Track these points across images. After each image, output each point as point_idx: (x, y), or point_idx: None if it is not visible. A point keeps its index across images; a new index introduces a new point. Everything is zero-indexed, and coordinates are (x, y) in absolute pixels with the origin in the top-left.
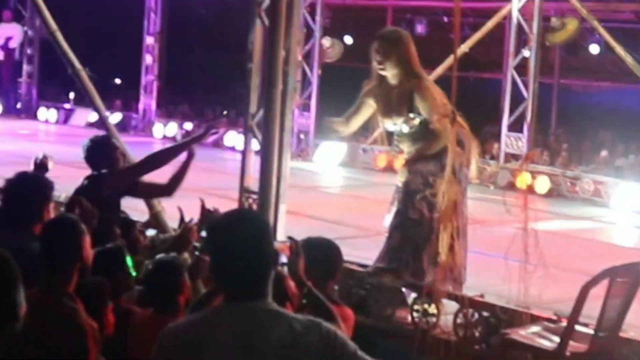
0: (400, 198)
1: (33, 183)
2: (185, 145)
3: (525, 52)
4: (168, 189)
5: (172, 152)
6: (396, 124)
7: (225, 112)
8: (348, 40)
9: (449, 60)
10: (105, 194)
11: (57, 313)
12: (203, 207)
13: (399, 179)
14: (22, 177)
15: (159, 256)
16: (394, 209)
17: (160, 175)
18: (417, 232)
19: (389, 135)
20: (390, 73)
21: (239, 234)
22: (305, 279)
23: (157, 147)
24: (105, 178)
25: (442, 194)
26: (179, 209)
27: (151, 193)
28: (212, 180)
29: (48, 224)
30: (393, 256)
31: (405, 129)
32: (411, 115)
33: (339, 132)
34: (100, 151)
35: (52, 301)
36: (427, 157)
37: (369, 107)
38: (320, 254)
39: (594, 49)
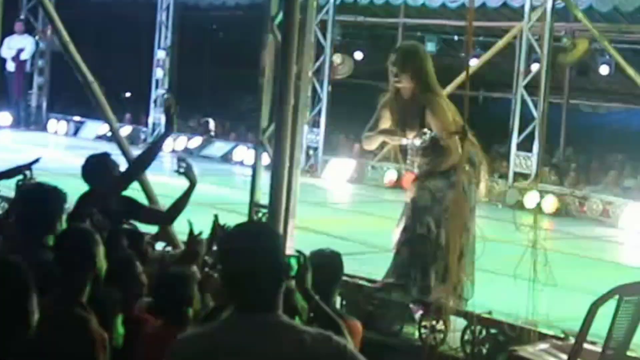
0: (409, 214)
1: (47, 194)
2: (160, 142)
3: (535, 72)
4: (169, 218)
5: (151, 153)
6: (409, 138)
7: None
8: (358, 56)
9: (460, 78)
10: (114, 208)
11: (69, 322)
12: (216, 223)
13: (407, 196)
14: (36, 188)
15: (168, 268)
16: (402, 224)
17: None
18: (425, 249)
19: (402, 150)
20: (406, 86)
21: (251, 245)
22: (313, 293)
23: (166, 160)
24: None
25: (451, 211)
26: (189, 222)
27: (152, 219)
28: (221, 194)
29: (63, 233)
30: (401, 272)
31: (417, 143)
32: (424, 130)
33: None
34: (98, 169)
35: (65, 310)
36: (436, 174)
37: (387, 120)
38: (321, 262)
39: (604, 69)
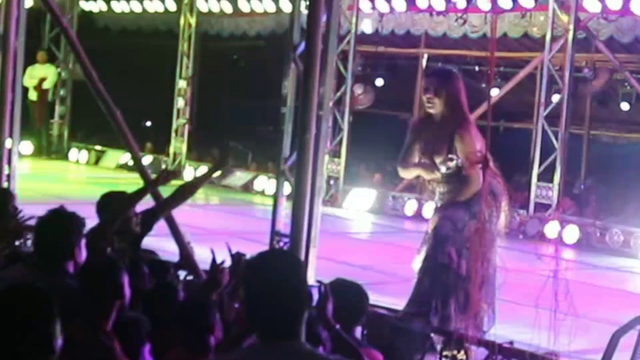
0: (430, 243)
1: (65, 220)
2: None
3: (556, 102)
4: (182, 195)
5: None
6: (439, 170)
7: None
8: (379, 86)
9: (481, 109)
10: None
11: (94, 350)
12: (230, 251)
13: (429, 225)
14: (53, 214)
15: (190, 297)
16: (423, 253)
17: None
18: (446, 278)
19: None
20: (437, 110)
21: (275, 273)
22: (334, 322)
23: None
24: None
25: (471, 241)
26: (211, 250)
27: (169, 206)
28: (242, 224)
29: (89, 261)
30: (422, 301)
31: (443, 169)
32: (450, 156)
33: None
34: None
35: (90, 338)
36: (457, 204)
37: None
38: (348, 298)
39: (625, 106)
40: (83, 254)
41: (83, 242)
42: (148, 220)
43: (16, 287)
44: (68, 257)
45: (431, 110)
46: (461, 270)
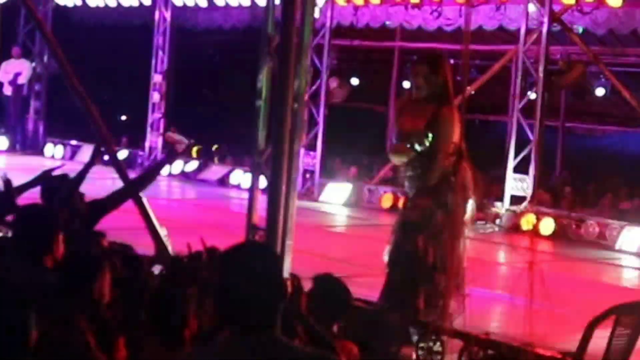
0: (398, 232)
1: (42, 214)
2: (152, 173)
3: (531, 95)
4: (135, 188)
5: (147, 178)
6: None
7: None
8: (354, 81)
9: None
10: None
11: (70, 345)
12: (204, 245)
13: (398, 214)
14: (31, 209)
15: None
16: (391, 243)
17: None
18: (414, 267)
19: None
20: (425, 92)
21: (250, 265)
22: (307, 315)
23: (163, 184)
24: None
25: (439, 231)
26: (188, 245)
27: (120, 198)
28: (218, 218)
29: (68, 258)
30: (392, 293)
31: (416, 147)
32: (427, 132)
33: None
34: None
35: (66, 333)
36: (425, 193)
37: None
38: (331, 295)
39: (600, 92)
40: (61, 249)
41: (61, 236)
42: (97, 212)
43: None
44: (47, 252)
45: (418, 90)
46: (429, 258)
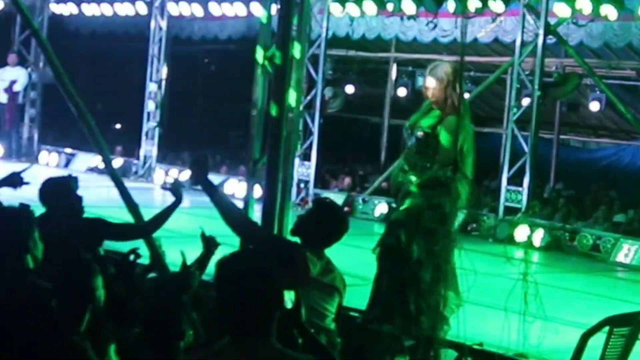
0: (385, 231)
1: (13, 215)
2: (170, 211)
3: (526, 107)
4: (147, 230)
5: (159, 221)
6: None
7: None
8: (350, 90)
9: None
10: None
11: (68, 350)
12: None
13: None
14: (1, 210)
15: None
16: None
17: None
18: (401, 272)
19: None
20: (435, 98)
21: (247, 272)
22: (308, 327)
23: (157, 193)
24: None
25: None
26: (181, 253)
27: (129, 234)
28: (213, 227)
29: (63, 263)
30: (383, 300)
31: (419, 134)
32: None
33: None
34: (61, 193)
35: (63, 338)
36: (416, 195)
37: None
38: (329, 220)
39: (595, 105)
40: (39, 247)
41: (37, 234)
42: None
43: None
44: (23, 251)
45: (429, 95)
46: (413, 254)
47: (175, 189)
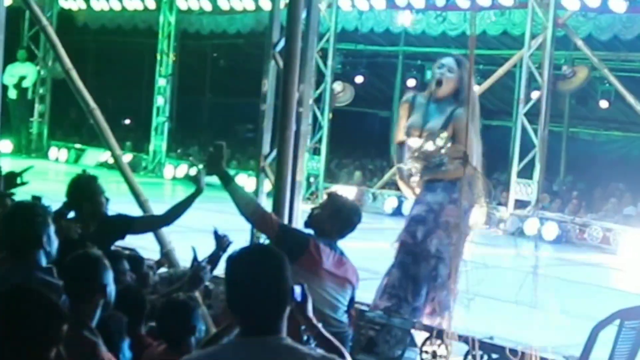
0: (405, 227)
1: (29, 210)
2: (190, 201)
3: (536, 99)
4: (166, 220)
5: (182, 209)
6: (421, 138)
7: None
8: (359, 79)
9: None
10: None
11: (79, 346)
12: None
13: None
14: (17, 205)
15: (172, 295)
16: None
17: None
18: (417, 268)
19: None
20: (444, 91)
21: (258, 268)
22: (316, 321)
23: (168, 187)
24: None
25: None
26: (192, 248)
27: (149, 226)
28: (223, 222)
29: (72, 258)
30: (392, 292)
31: (430, 146)
32: (442, 130)
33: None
34: (84, 190)
35: (74, 333)
36: (437, 187)
37: (404, 119)
38: (344, 213)
39: (603, 103)
40: (54, 243)
41: (52, 230)
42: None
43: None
44: (36, 247)
45: (439, 90)
46: (429, 247)
47: (196, 178)
